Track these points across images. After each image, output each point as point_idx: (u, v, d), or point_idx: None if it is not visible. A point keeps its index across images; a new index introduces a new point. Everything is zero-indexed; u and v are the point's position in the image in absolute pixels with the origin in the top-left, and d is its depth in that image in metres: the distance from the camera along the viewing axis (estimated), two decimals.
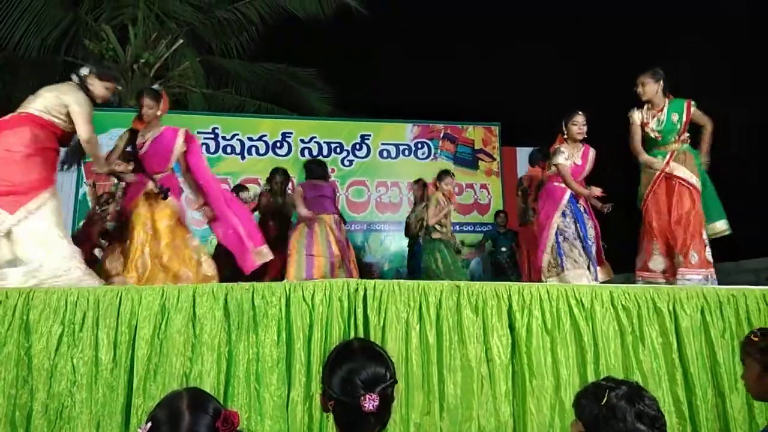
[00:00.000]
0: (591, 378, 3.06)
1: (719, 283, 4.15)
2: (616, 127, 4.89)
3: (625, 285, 3.48)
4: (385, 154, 8.64)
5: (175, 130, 4.09)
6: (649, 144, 4.53)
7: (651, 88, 4.46)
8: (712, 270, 4.26)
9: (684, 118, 4.42)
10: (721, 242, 4.62)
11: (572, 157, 4.45)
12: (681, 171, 4.35)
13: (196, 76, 9.94)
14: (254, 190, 6.54)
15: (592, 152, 4.56)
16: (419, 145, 8.83)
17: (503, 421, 3.00)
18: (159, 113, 4.07)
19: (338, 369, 1.52)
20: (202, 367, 2.84)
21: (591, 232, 4.44)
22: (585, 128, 4.47)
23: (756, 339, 2.02)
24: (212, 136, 7.88)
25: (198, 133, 7.79)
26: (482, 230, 8.61)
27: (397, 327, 3.05)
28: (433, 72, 11.55)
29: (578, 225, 4.36)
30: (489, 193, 8.88)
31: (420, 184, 6.85)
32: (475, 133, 9.04)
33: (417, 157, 8.77)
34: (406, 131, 8.81)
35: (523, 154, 8.99)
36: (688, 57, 9.45)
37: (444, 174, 5.94)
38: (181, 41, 10.11)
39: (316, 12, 10.03)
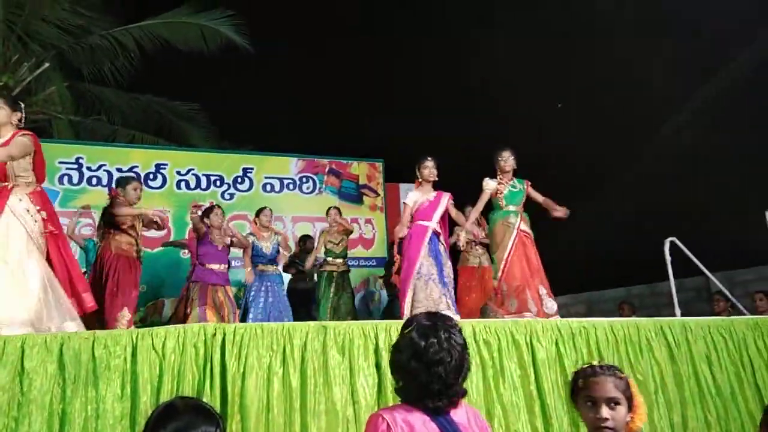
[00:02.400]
0: None
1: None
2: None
3: (486, 320, 3.58)
4: (268, 188, 8.47)
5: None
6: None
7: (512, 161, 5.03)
8: None
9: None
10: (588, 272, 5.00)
11: (424, 196, 4.70)
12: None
13: (62, 102, 9.24)
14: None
15: (445, 195, 4.78)
16: (304, 179, 8.76)
17: None
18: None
19: (162, 430, 1.39)
20: (29, 428, 2.51)
21: (448, 271, 4.60)
22: (435, 171, 4.74)
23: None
24: (76, 166, 7.29)
25: (60, 163, 7.21)
26: (367, 264, 8.64)
27: (259, 373, 2.91)
28: (317, 108, 11.61)
29: (437, 263, 4.49)
30: (373, 228, 8.96)
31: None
32: (359, 168, 9.13)
33: (302, 191, 8.68)
34: (291, 165, 8.72)
35: (405, 189, 9.21)
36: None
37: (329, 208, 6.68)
38: (46, 65, 9.39)
39: (199, 46, 9.77)
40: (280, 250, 6.05)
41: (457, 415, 1.74)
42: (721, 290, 6.09)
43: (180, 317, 5.20)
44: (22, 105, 3.66)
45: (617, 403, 1.77)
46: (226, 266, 5.52)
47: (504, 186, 4.97)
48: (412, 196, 4.74)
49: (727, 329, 4.07)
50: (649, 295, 8.80)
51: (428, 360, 1.70)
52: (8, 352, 2.59)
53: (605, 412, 1.75)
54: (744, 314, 5.39)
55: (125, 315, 4.24)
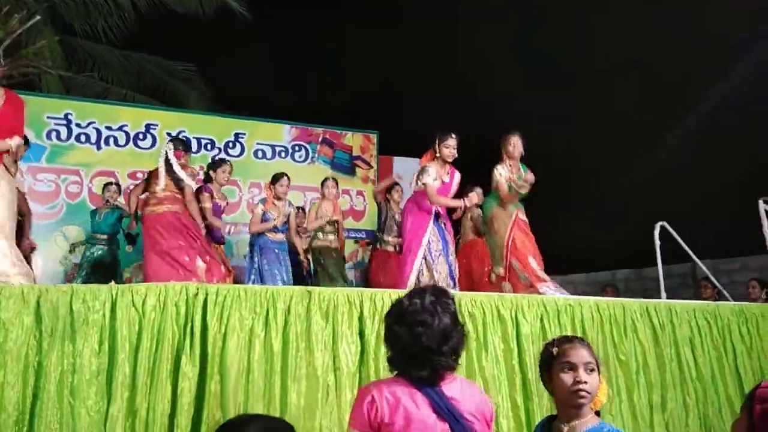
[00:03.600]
0: None
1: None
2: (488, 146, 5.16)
3: (472, 292, 3.56)
4: (260, 154, 8.35)
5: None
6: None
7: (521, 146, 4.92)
8: None
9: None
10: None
11: (440, 177, 4.57)
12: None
13: (53, 57, 9.00)
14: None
15: (457, 174, 4.75)
16: (296, 148, 8.63)
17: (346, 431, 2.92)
18: None
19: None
20: (4, 379, 2.48)
21: (452, 249, 4.61)
22: (456, 151, 4.59)
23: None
24: (64, 122, 7.13)
25: (48, 118, 7.04)
26: (357, 236, 8.60)
27: (240, 335, 2.88)
28: (314, 76, 11.43)
29: (442, 242, 4.48)
30: (365, 200, 8.89)
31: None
32: (353, 139, 9.02)
33: (294, 160, 8.56)
34: (284, 132, 8.59)
35: (399, 163, 9.13)
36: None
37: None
38: (38, 17, 9.11)
39: (195, 9, 9.54)
40: (290, 225, 5.78)
41: (450, 388, 1.71)
42: (707, 276, 6.11)
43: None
44: (1, 56, 3.58)
45: (593, 369, 1.81)
46: (220, 222, 5.34)
47: (513, 174, 4.86)
48: (432, 173, 4.52)
49: (713, 314, 4.08)
50: (635, 279, 8.85)
51: (410, 321, 1.69)
52: None
53: (584, 375, 1.78)
54: (730, 301, 5.42)
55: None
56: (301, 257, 5.90)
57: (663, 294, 5.14)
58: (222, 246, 5.65)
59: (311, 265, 6.25)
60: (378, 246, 6.54)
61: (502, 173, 4.86)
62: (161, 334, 2.71)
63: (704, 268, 5.83)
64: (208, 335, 2.79)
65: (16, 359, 2.51)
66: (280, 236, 5.66)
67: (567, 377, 1.79)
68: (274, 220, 5.53)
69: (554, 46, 10.29)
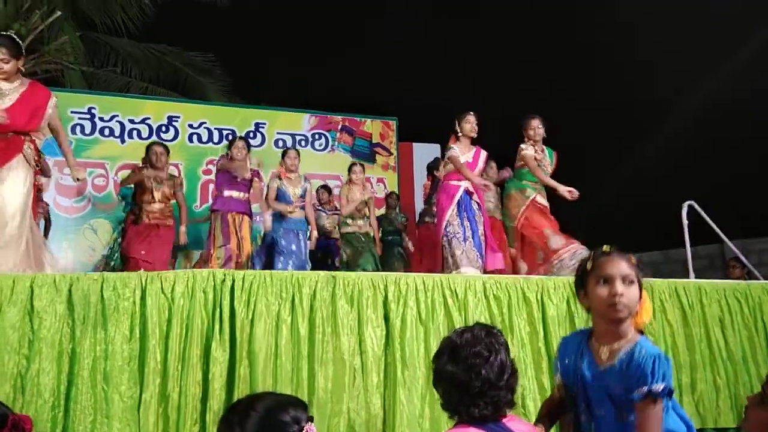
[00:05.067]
0: None
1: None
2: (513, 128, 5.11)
3: (498, 275, 3.54)
4: (280, 143, 8.38)
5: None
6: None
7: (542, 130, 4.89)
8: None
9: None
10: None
11: (464, 154, 4.56)
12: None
13: (75, 52, 9.13)
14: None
15: (483, 153, 4.76)
16: (316, 136, 8.66)
17: (374, 414, 2.94)
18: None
19: (253, 412, 1.39)
20: (39, 365, 2.54)
21: (481, 229, 4.58)
22: (476, 127, 4.59)
23: None
24: (88, 116, 7.25)
25: (72, 112, 7.17)
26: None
27: (267, 320, 2.91)
28: (333, 63, 11.39)
29: (470, 222, 4.47)
30: (385, 187, 8.88)
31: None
32: (373, 126, 9.00)
33: (314, 148, 8.60)
34: (303, 121, 8.61)
35: (419, 149, 9.10)
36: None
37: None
38: (58, 13, 9.24)
39: None
40: (306, 201, 5.58)
41: (513, 425, 1.59)
42: (737, 256, 5.98)
43: (205, 258, 5.14)
44: (23, 46, 3.63)
45: (632, 282, 1.69)
46: (247, 196, 5.25)
47: (538, 155, 4.81)
48: (456, 149, 4.57)
49: (743, 293, 4.00)
50: (663, 261, 8.71)
51: (466, 355, 1.57)
52: (17, 291, 2.60)
53: (620, 287, 1.67)
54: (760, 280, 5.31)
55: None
56: (314, 233, 5.65)
57: (692, 275, 5.04)
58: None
59: (340, 249, 6.26)
60: (425, 220, 6.54)
61: (527, 149, 4.83)
62: (190, 320, 2.75)
63: (733, 247, 5.70)
64: (236, 321, 2.83)
65: (51, 346, 2.58)
66: (298, 214, 5.46)
67: (602, 290, 1.68)
68: (293, 204, 5.39)
69: (578, 24, 10.11)
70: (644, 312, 1.71)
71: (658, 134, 9.66)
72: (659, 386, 1.59)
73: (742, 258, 5.98)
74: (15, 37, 3.67)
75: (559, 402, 1.86)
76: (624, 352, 1.67)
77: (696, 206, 5.29)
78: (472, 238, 4.52)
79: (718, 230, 5.37)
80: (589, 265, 1.75)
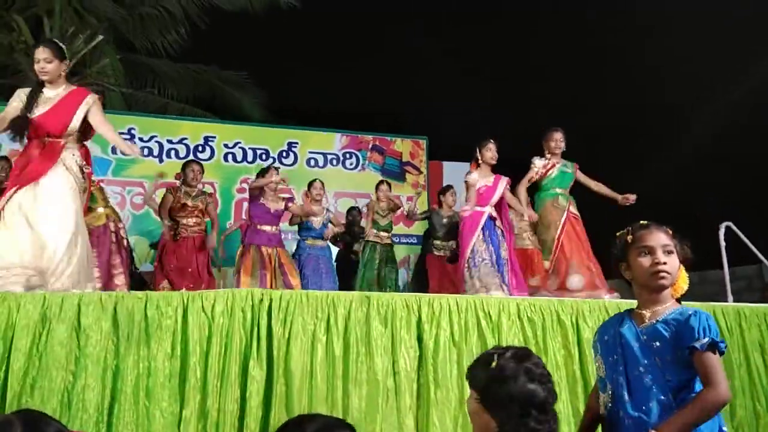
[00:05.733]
0: None
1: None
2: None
3: (532, 297, 3.53)
4: (312, 162, 8.54)
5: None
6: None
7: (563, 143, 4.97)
8: None
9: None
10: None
11: (483, 179, 4.62)
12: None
13: (115, 74, 9.48)
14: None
15: (504, 180, 4.79)
16: (347, 155, 8.79)
17: None
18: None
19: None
20: (85, 381, 2.63)
21: (504, 254, 4.59)
22: (496, 155, 4.67)
23: None
24: (128, 136, 7.51)
25: None
26: (408, 242, 8.64)
27: (303, 339, 2.95)
28: (364, 80, 11.53)
29: (493, 248, 4.49)
30: (415, 206, 8.89)
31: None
32: (403, 145, 9.10)
33: (345, 167, 8.73)
34: (335, 141, 8.76)
35: (449, 168, 9.14)
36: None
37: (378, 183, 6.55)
38: (101, 37, 9.61)
39: (244, 6, 9.81)
40: (330, 226, 5.93)
41: None
42: None
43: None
44: (66, 49, 3.57)
45: (671, 252, 1.78)
46: (278, 229, 5.45)
47: (554, 168, 4.87)
48: (474, 177, 4.67)
49: None
50: (698, 283, 8.46)
51: (541, 373, 1.52)
52: (65, 308, 2.70)
53: (662, 257, 1.75)
54: None
55: None
56: (333, 227, 6.01)
57: (730, 297, 4.94)
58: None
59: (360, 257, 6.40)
60: (429, 251, 6.56)
61: (537, 164, 4.87)
62: (229, 338, 2.81)
63: None
64: (273, 339, 2.88)
65: (96, 363, 2.66)
66: (320, 242, 5.80)
67: (645, 260, 1.78)
68: (314, 224, 5.72)
69: (596, 37, 10.05)
70: (681, 280, 1.83)
71: (696, 150, 9.50)
72: (718, 339, 1.67)
73: None
74: (58, 42, 3.61)
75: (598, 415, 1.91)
76: (670, 312, 1.76)
77: (733, 227, 5.19)
78: (496, 263, 4.54)
79: (757, 252, 5.26)
80: (629, 238, 1.83)
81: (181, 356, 2.75)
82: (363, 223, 6.54)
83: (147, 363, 2.71)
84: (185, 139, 7.75)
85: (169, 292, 3.00)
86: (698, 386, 1.72)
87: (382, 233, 6.28)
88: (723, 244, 5.16)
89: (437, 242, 6.24)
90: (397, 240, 8.50)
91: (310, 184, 5.97)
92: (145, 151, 7.55)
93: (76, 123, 3.44)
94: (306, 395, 2.86)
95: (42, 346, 2.63)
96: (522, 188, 4.95)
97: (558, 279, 4.76)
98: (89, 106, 3.49)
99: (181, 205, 5.28)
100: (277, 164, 7.60)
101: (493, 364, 1.53)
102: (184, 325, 2.79)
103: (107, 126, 3.59)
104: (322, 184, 5.97)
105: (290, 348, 2.90)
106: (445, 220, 6.12)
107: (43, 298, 2.70)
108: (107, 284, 4.39)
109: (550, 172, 4.91)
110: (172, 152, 7.66)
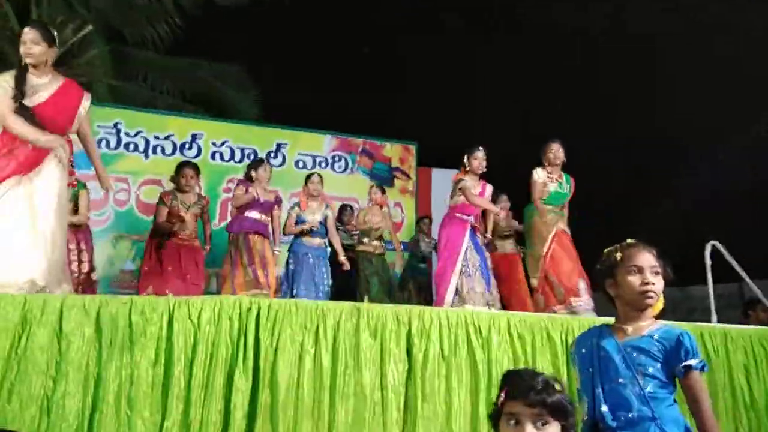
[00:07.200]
0: (482, 406, 3.04)
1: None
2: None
3: (522, 313, 3.52)
4: (301, 164, 8.45)
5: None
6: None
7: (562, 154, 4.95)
8: None
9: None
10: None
11: (473, 187, 4.63)
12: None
13: (104, 65, 9.31)
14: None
15: (489, 187, 4.86)
16: (337, 158, 8.71)
17: None
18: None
19: None
20: (65, 388, 2.55)
21: (489, 263, 4.65)
22: (485, 162, 4.66)
23: None
24: (114, 131, 7.36)
25: (98, 126, 7.26)
26: (392, 248, 8.60)
27: (291, 350, 2.90)
28: (357, 83, 11.49)
29: (479, 257, 4.49)
30: (402, 212, 8.89)
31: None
32: (392, 150, 9.05)
33: (334, 170, 8.64)
34: (324, 143, 8.68)
35: (438, 175, 9.11)
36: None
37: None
38: (90, 27, 9.44)
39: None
40: (329, 228, 5.57)
41: None
42: (762, 301, 5.90)
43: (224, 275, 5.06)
44: (56, 35, 3.39)
45: (657, 272, 1.84)
46: (268, 219, 5.20)
47: (553, 183, 4.85)
48: (469, 182, 4.67)
49: None
50: (681, 299, 8.60)
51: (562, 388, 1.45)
52: (48, 312, 2.62)
53: (651, 277, 1.82)
54: None
55: None
56: (341, 258, 5.57)
57: (714, 316, 4.98)
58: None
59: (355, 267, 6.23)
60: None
61: (539, 175, 4.87)
62: (215, 347, 2.75)
63: (756, 289, 5.62)
64: (260, 349, 2.83)
65: (77, 369, 2.58)
66: (318, 241, 5.46)
67: (635, 279, 1.82)
68: (309, 222, 5.40)
69: (589, 57, 10.15)
70: (659, 301, 1.89)
71: (684, 173, 9.62)
72: (702, 362, 1.79)
73: (763, 299, 5.90)
74: (48, 26, 3.45)
75: None
76: (654, 328, 1.82)
77: (719, 246, 5.24)
78: (482, 272, 4.55)
79: (741, 272, 5.31)
80: (618, 257, 1.88)
81: (165, 364, 2.68)
82: (354, 221, 6.45)
83: (130, 370, 2.63)
84: (172, 135, 7.60)
85: (154, 297, 2.92)
86: (671, 398, 1.82)
87: (375, 242, 6.15)
88: (708, 263, 5.19)
89: (422, 266, 6.70)
90: (386, 245, 8.47)
91: (308, 178, 5.65)
92: (131, 146, 7.40)
93: (76, 125, 3.42)
94: (292, 408, 2.81)
95: (21, 350, 2.55)
96: (538, 203, 4.88)
97: (563, 289, 4.74)
98: (85, 110, 3.42)
99: (178, 217, 4.99)
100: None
101: (557, 386, 1.42)
102: (169, 332, 2.72)
103: (93, 140, 3.65)
104: (321, 178, 5.65)
105: (277, 359, 2.85)
106: (428, 250, 6.41)
107: (24, 299, 2.62)
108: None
109: (549, 188, 4.87)
110: (158, 149, 7.51)
